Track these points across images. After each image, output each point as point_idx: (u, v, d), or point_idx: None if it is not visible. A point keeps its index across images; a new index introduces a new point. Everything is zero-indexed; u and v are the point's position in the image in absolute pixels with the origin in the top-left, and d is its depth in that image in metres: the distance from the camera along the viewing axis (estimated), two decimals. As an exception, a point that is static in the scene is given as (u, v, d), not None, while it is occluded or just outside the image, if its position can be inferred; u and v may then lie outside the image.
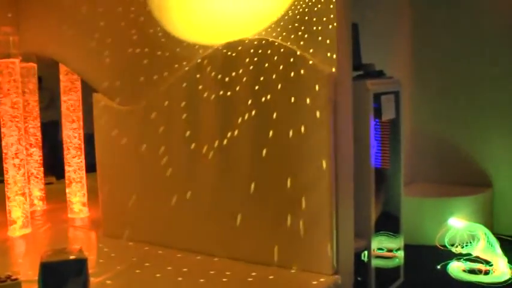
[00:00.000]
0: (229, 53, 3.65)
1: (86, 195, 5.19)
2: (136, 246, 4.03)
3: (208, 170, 3.77)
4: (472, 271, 4.54)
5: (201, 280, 3.42)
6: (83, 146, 5.20)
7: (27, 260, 3.93)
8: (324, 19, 3.36)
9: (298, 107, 3.39)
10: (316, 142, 3.34)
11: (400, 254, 4.21)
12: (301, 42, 3.44)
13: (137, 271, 3.61)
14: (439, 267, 4.66)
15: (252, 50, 3.55)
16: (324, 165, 3.32)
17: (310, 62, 3.35)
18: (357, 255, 3.69)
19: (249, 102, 3.56)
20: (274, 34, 3.54)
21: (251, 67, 3.56)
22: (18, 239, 4.46)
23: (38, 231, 4.70)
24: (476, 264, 4.64)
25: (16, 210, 4.50)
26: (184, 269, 3.60)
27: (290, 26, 3.50)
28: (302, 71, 3.37)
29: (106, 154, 4.29)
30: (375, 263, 3.84)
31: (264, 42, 3.52)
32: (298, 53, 3.40)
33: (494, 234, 4.89)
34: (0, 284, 3.15)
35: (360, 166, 3.66)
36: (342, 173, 3.39)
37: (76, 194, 5.16)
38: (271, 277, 3.40)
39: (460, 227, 5.05)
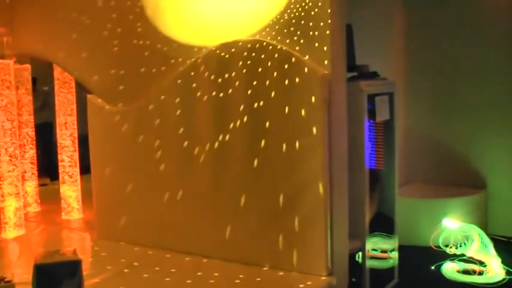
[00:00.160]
0: (223, 54, 3.65)
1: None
2: (130, 248, 4.02)
3: (202, 171, 3.77)
4: (466, 272, 4.55)
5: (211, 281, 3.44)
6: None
7: (21, 262, 3.91)
8: (318, 20, 3.36)
9: (292, 107, 3.39)
10: (310, 143, 3.35)
11: (395, 254, 4.22)
12: (296, 43, 3.44)
13: (130, 272, 3.61)
14: (433, 267, 4.67)
15: (246, 51, 3.55)
16: (318, 166, 3.32)
17: (305, 63, 3.36)
18: (352, 256, 3.70)
19: (244, 102, 3.56)
20: (268, 35, 3.54)
21: (245, 68, 3.56)
22: (12, 241, 4.44)
23: (32, 232, 4.69)
24: (470, 264, 4.65)
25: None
26: (173, 270, 3.61)
27: (284, 27, 3.50)
28: (296, 72, 3.37)
29: (100, 155, 4.28)
30: (370, 263, 3.84)
31: (258, 43, 3.52)
32: (293, 54, 3.40)
33: (488, 235, 4.91)
34: (-6, 286, 3.14)
35: (354, 167, 3.66)
36: (336, 174, 3.40)
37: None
38: (258, 279, 3.40)
39: (454, 227, 5.06)
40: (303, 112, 3.36)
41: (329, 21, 3.33)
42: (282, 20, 3.52)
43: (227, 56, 3.63)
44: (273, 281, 3.39)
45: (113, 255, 3.92)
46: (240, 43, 3.59)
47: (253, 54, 3.52)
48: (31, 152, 5.42)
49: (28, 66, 5.29)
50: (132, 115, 4.07)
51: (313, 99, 3.32)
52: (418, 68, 5.79)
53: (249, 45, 3.55)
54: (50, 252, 3.16)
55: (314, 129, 3.33)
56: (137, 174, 4.08)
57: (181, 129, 3.83)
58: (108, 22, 4.22)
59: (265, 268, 3.54)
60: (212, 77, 3.68)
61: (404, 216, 4.52)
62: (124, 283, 3.47)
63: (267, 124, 3.49)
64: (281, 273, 3.45)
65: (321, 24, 3.35)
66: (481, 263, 4.65)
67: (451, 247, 4.99)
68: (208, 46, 3.74)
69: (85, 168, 4.83)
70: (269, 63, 3.46)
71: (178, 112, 3.84)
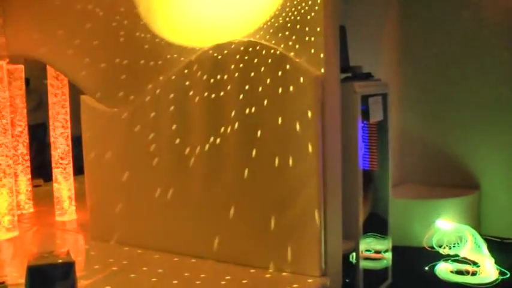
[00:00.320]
0: (216, 55, 3.65)
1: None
2: (124, 250, 4.02)
3: (194, 172, 3.77)
4: (459, 272, 4.56)
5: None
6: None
7: (14, 263, 3.90)
8: (312, 22, 3.37)
9: (286, 108, 3.40)
10: (303, 144, 3.35)
11: (388, 255, 4.23)
12: (289, 45, 3.45)
13: (125, 274, 3.60)
14: (426, 268, 4.68)
15: (240, 52, 3.55)
16: (312, 167, 3.33)
17: (298, 64, 3.36)
18: (345, 257, 3.70)
19: (238, 103, 3.57)
20: (262, 36, 3.55)
21: (240, 68, 3.56)
22: (5, 242, 4.43)
23: (26, 234, 4.67)
24: (463, 265, 4.66)
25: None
26: (160, 270, 3.62)
27: (278, 29, 3.50)
28: (289, 73, 3.38)
29: (94, 157, 4.27)
30: (363, 264, 3.85)
31: (252, 44, 3.52)
32: (286, 55, 3.41)
33: (481, 235, 4.93)
34: (-14, 288, 3.13)
35: (348, 168, 3.67)
36: (330, 174, 3.40)
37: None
38: (244, 281, 3.39)
39: (447, 228, 5.08)
40: (296, 114, 3.37)
41: (323, 22, 3.33)
42: (275, 22, 3.53)
43: (221, 56, 3.63)
44: (267, 282, 3.39)
45: (107, 256, 3.91)
46: (234, 44, 3.59)
47: (247, 55, 3.53)
48: (25, 153, 5.40)
49: (21, 66, 5.28)
50: (126, 116, 4.06)
51: (306, 100, 3.33)
52: (411, 69, 5.81)
53: (243, 47, 3.55)
54: (43, 253, 3.15)
55: (308, 130, 3.33)
56: (131, 176, 4.07)
57: (175, 131, 3.83)
58: (101, 22, 4.21)
59: (254, 269, 3.53)
60: (202, 75, 3.68)
61: (398, 217, 4.53)
62: (117, 284, 3.46)
63: (261, 126, 3.49)
64: (274, 274, 3.45)
65: (315, 25, 3.36)
66: (475, 264, 4.66)
67: (444, 248, 5.01)
68: (203, 47, 3.74)
69: (79, 170, 4.82)
70: (263, 64, 3.47)
71: (171, 114, 3.84)
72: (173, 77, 3.84)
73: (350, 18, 4.32)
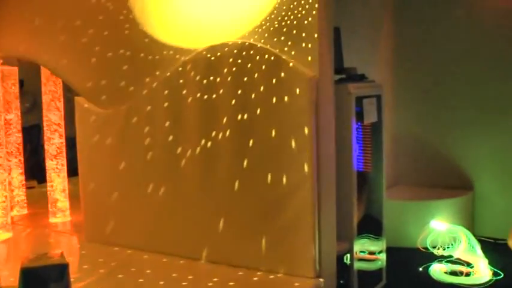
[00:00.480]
0: (210, 56, 3.65)
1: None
2: (118, 251, 4.01)
3: (188, 174, 3.77)
4: (453, 273, 4.57)
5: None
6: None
7: (8, 265, 3.89)
8: (306, 23, 3.38)
9: (281, 110, 3.40)
10: (298, 145, 3.36)
11: (383, 256, 4.23)
12: (283, 46, 3.45)
13: (119, 276, 3.60)
14: (421, 269, 4.69)
15: (234, 53, 3.56)
16: (306, 168, 3.33)
17: (292, 66, 3.37)
18: (340, 258, 3.70)
19: (232, 103, 3.57)
20: (256, 37, 3.55)
21: (234, 69, 3.56)
22: (-1, 244, 4.43)
23: (19, 236, 4.66)
24: (457, 266, 4.67)
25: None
26: (148, 271, 3.64)
27: (272, 30, 3.51)
28: (284, 75, 3.38)
29: (88, 158, 4.26)
30: (358, 265, 3.86)
31: (246, 45, 3.53)
32: (280, 56, 3.41)
33: (475, 236, 4.94)
34: (-20, 290, 3.12)
35: (342, 169, 3.68)
36: (324, 176, 3.41)
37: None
38: (231, 283, 3.38)
39: (441, 229, 5.09)
40: (290, 114, 3.37)
41: (317, 24, 3.34)
42: (269, 23, 3.54)
43: (215, 58, 3.63)
44: (254, 284, 3.39)
45: (101, 258, 3.90)
46: (228, 46, 3.59)
47: (241, 56, 3.53)
48: (18, 155, 5.38)
49: (15, 68, 5.26)
50: (120, 117, 4.06)
51: (300, 101, 3.33)
52: (405, 71, 5.82)
53: (237, 48, 3.55)
54: (37, 255, 3.14)
55: (302, 131, 3.34)
56: (125, 177, 4.07)
57: (169, 133, 3.83)
58: (94, 24, 4.21)
59: (242, 271, 3.53)
60: (201, 79, 3.68)
61: (392, 218, 4.53)
62: (111, 286, 3.46)
63: (254, 126, 3.50)
64: (263, 276, 3.45)
65: (309, 27, 3.36)
66: (469, 264, 4.68)
67: (438, 248, 5.02)
68: (197, 48, 3.74)
69: (73, 171, 4.81)
70: (257, 65, 3.47)
71: (166, 114, 3.84)
72: (167, 79, 3.84)
73: (344, 20, 4.33)
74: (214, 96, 3.64)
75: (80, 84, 4.30)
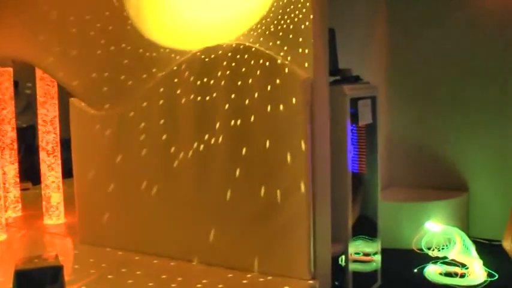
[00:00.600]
0: (205, 57, 3.65)
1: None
2: (113, 253, 4.00)
3: (183, 175, 3.76)
4: (448, 274, 4.58)
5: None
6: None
7: (2, 267, 3.87)
8: (301, 24, 3.38)
9: (275, 111, 3.40)
10: (292, 147, 3.35)
11: (378, 257, 4.24)
12: (278, 47, 3.46)
13: (111, 277, 3.60)
14: (415, 270, 4.70)
15: (229, 55, 3.56)
16: (301, 170, 3.33)
17: (287, 67, 3.37)
18: (335, 260, 3.70)
19: (227, 106, 3.57)
20: (251, 39, 3.55)
21: (229, 72, 3.56)
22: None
23: (13, 237, 4.64)
24: (452, 267, 4.68)
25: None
26: (138, 272, 3.64)
27: (266, 31, 3.51)
28: (278, 76, 3.39)
29: (83, 159, 4.25)
30: (353, 267, 3.86)
31: (241, 47, 3.52)
32: (275, 57, 3.41)
33: (470, 237, 4.95)
34: (-27, 292, 3.10)
35: (337, 170, 3.67)
36: (319, 177, 3.41)
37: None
38: (220, 286, 3.37)
39: (436, 230, 5.09)
40: (286, 116, 3.37)
41: (311, 25, 3.34)
42: (264, 24, 3.54)
43: (210, 59, 3.63)
44: (255, 285, 3.39)
45: (96, 260, 3.89)
46: (223, 47, 3.59)
47: (236, 57, 3.53)
48: (13, 157, 5.36)
49: (10, 69, 5.25)
50: (115, 118, 4.05)
51: (295, 102, 3.33)
52: (400, 72, 5.83)
53: (231, 49, 3.55)
54: (32, 257, 3.14)
55: (297, 133, 3.34)
56: (120, 179, 4.06)
57: (164, 134, 3.83)
58: (90, 25, 4.20)
59: (233, 273, 3.52)
60: (196, 81, 3.68)
61: (387, 220, 4.54)
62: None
63: (250, 128, 3.50)
64: (254, 278, 3.45)
65: (303, 28, 3.37)
66: (463, 266, 4.68)
67: (433, 250, 5.02)
68: (192, 50, 3.74)
69: (67, 172, 4.79)
70: (251, 67, 3.47)
71: (161, 116, 3.83)
72: (163, 80, 3.84)
73: (339, 22, 4.33)
74: (208, 98, 3.64)
75: (74, 85, 4.29)
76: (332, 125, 3.59)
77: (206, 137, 3.65)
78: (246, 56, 3.50)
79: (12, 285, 2.92)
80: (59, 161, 5.12)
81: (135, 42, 4.03)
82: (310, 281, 3.36)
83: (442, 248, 5.01)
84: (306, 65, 3.36)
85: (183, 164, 3.75)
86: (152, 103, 3.87)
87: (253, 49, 3.48)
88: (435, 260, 4.86)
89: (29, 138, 7.53)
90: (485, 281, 4.45)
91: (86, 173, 4.24)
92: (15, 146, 5.41)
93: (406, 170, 5.85)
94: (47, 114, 5.03)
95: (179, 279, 3.50)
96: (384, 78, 5.75)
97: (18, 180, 5.44)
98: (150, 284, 3.44)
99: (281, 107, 3.38)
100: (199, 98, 3.67)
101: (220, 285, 3.38)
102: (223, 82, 3.58)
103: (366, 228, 4.08)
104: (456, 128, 5.64)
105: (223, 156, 3.60)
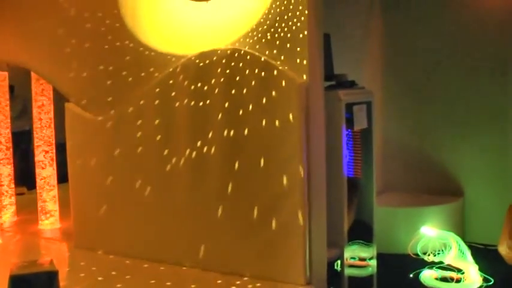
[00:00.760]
0: (200, 62, 3.65)
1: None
2: (108, 258, 3.99)
3: (179, 181, 3.76)
4: (444, 279, 4.59)
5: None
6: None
7: (-3, 273, 3.86)
8: (296, 29, 3.39)
9: (270, 117, 3.40)
10: (288, 152, 3.36)
11: (373, 262, 4.23)
12: (273, 53, 3.46)
13: (107, 282, 3.58)
14: (411, 275, 4.70)
15: (224, 60, 3.56)
16: (297, 174, 3.33)
17: (282, 72, 3.37)
18: (330, 265, 3.70)
19: (222, 110, 3.57)
20: (246, 44, 3.56)
21: (224, 77, 3.57)
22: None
23: (8, 242, 4.62)
24: (448, 272, 4.69)
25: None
26: (128, 276, 3.63)
27: (262, 37, 3.52)
28: (274, 81, 3.39)
29: (78, 164, 4.24)
30: (348, 272, 3.85)
31: (236, 52, 3.53)
32: (270, 63, 3.42)
33: (465, 242, 4.95)
34: (-33, 298, 3.09)
35: (333, 175, 3.68)
36: (314, 182, 3.41)
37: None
38: None
39: (432, 235, 5.10)
40: (281, 121, 3.38)
41: (307, 30, 3.35)
42: (259, 30, 3.54)
43: (205, 64, 3.63)
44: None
45: (90, 265, 3.88)
46: (218, 52, 3.59)
47: (231, 62, 3.53)
48: (8, 161, 5.35)
49: (5, 73, 5.24)
50: (110, 124, 4.05)
51: (291, 108, 3.34)
52: (395, 77, 5.85)
53: (227, 54, 3.56)
54: (27, 262, 3.13)
55: (292, 138, 3.34)
56: (115, 184, 4.05)
57: (159, 139, 3.82)
58: (85, 30, 4.21)
59: (222, 278, 3.52)
60: (186, 82, 3.69)
61: (383, 224, 4.54)
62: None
63: (245, 133, 3.50)
64: (244, 282, 3.44)
65: (299, 33, 3.38)
66: (459, 270, 4.69)
67: (429, 255, 5.03)
68: (187, 55, 3.75)
69: (63, 177, 4.78)
70: (247, 72, 3.48)
71: (156, 122, 3.83)
72: (158, 85, 3.84)
73: (334, 27, 4.35)
74: (203, 102, 3.64)
75: (70, 90, 4.28)
76: (327, 129, 3.59)
77: (201, 143, 3.65)
78: (240, 61, 3.50)
79: (6, 290, 2.91)
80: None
81: (131, 46, 4.03)
82: (306, 286, 3.35)
83: (438, 253, 5.02)
84: (301, 70, 3.36)
85: (178, 170, 3.75)
86: (147, 109, 3.87)
87: (248, 53, 3.49)
88: (431, 264, 4.87)
89: (24, 143, 7.51)
90: (480, 286, 4.46)
91: (81, 178, 4.23)
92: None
93: (402, 175, 5.86)
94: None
95: (168, 283, 3.49)
96: (379, 83, 5.77)
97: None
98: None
99: (276, 112, 3.38)
100: (193, 103, 3.67)
101: None
102: (218, 86, 3.58)
103: (362, 233, 4.08)
104: (451, 133, 5.65)
105: (217, 161, 3.60)
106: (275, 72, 3.39)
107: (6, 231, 4.91)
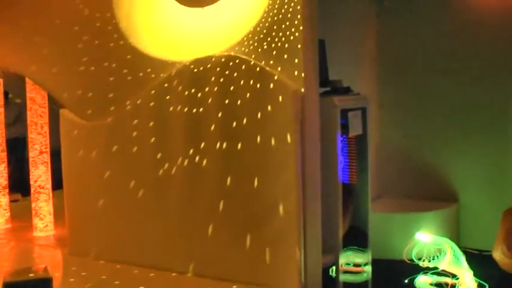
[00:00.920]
0: (193, 67, 3.66)
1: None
2: (102, 265, 3.98)
3: (173, 187, 3.75)
4: (439, 284, 4.59)
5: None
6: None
7: (-10, 280, 3.84)
8: (291, 36, 3.40)
9: (266, 123, 3.41)
10: (283, 158, 3.36)
11: (368, 268, 4.23)
12: (268, 59, 3.47)
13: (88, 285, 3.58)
14: (406, 281, 4.70)
15: (219, 66, 3.56)
16: (292, 180, 3.33)
17: (277, 78, 3.38)
18: (325, 271, 3.70)
19: (218, 116, 3.57)
20: (241, 51, 3.57)
21: (219, 83, 3.57)
22: (-19, 258, 4.37)
23: (2, 250, 4.60)
24: (443, 277, 4.69)
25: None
26: (116, 282, 3.62)
27: (257, 43, 3.53)
28: (269, 87, 3.39)
29: (73, 170, 4.23)
30: (343, 278, 3.85)
31: (231, 58, 3.54)
32: (265, 69, 3.43)
33: (460, 247, 4.96)
34: (-39, 305, 3.07)
35: (328, 181, 3.68)
36: (309, 188, 3.41)
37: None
38: None
39: (427, 241, 5.10)
40: (276, 127, 3.38)
41: (302, 36, 3.36)
42: (254, 36, 3.55)
43: (200, 71, 3.64)
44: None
45: (86, 272, 3.87)
46: (213, 59, 3.60)
47: (227, 69, 3.54)
48: (2, 168, 5.33)
49: (0, 80, 5.24)
50: (105, 130, 4.04)
51: (286, 114, 3.34)
52: (390, 83, 5.87)
53: (222, 61, 3.56)
54: (21, 269, 3.12)
55: (287, 144, 3.34)
56: (110, 190, 4.04)
57: (156, 146, 3.82)
58: (80, 36, 4.21)
59: (238, 283, 3.52)
60: (186, 92, 3.69)
61: (378, 230, 4.54)
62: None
63: (240, 138, 3.50)
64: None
65: (294, 39, 3.38)
66: (454, 276, 4.69)
67: (424, 260, 5.03)
68: (183, 61, 3.75)
69: (57, 184, 4.77)
70: (242, 78, 3.48)
71: (151, 127, 3.83)
72: (153, 91, 3.84)
73: (329, 33, 4.36)
74: (201, 109, 3.64)
75: (65, 96, 4.28)
76: (322, 136, 3.60)
77: (196, 150, 3.65)
78: (236, 67, 3.50)
79: (0, 297, 2.90)
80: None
81: (126, 52, 4.03)
82: (301, 292, 3.35)
83: (433, 259, 5.02)
84: (297, 76, 3.37)
85: (174, 176, 3.74)
86: (143, 118, 3.87)
87: (243, 60, 3.49)
88: (426, 270, 4.87)
89: (19, 150, 7.49)
90: (475, 292, 4.46)
91: (75, 184, 4.22)
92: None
93: (397, 181, 5.87)
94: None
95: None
96: (374, 89, 5.78)
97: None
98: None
99: (272, 118, 3.39)
100: (185, 109, 3.67)
101: None
102: (213, 93, 3.58)
103: (357, 238, 4.08)
104: (446, 139, 5.67)
105: (213, 166, 3.60)
106: (269, 79, 3.40)
107: (0, 238, 4.89)
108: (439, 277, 4.70)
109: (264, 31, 3.51)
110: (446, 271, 4.81)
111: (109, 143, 4.02)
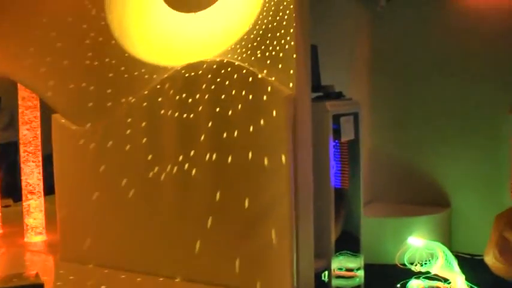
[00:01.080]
0: (184, 72, 3.66)
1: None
2: (94, 270, 3.96)
3: (166, 193, 3.75)
4: (431, 289, 4.60)
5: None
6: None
7: (-19, 286, 3.82)
8: (283, 41, 3.41)
9: (258, 128, 3.41)
10: (275, 163, 3.36)
11: (361, 273, 4.24)
12: (261, 64, 3.48)
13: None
14: (399, 285, 4.70)
15: (212, 71, 3.57)
16: (284, 185, 3.34)
17: (270, 83, 3.39)
18: (317, 276, 3.70)
19: (210, 122, 3.57)
20: (234, 56, 3.57)
21: (211, 88, 3.57)
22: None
23: (-7, 255, 4.59)
24: (435, 282, 4.69)
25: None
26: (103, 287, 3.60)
27: (249, 48, 3.53)
28: (261, 92, 3.40)
29: (65, 176, 4.22)
30: (336, 282, 3.86)
31: (223, 63, 3.54)
32: (257, 74, 3.43)
33: (452, 252, 4.97)
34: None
35: (320, 186, 3.69)
36: (301, 193, 3.42)
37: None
38: None
39: (419, 245, 5.11)
40: (268, 132, 3.38)
41: (294, 41, 3.37)
42: (247, 41, 3.56)
43: (193, 76, 3.64)
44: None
45: (77, 278, 3.85)
46: (205, 64, 3.60)
47: (219, 74, 3.54)
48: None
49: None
50: (97, 134, 4.04)
51: (278, 119, 3.35)
52: (382, 88, 5.88)
53: (214, 66, 3.57)
54: (12, 275, 3.10)
55: (279, 149, 3.35)
56: (102, 195, 4.03)
57: (147, 151, 3.81)
58: (74, 41, 4.20)
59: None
60: (177, 96, 3.69)
61: (370, 235, 4.55)
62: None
63: (231, 144, 3.50)
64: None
65: (286, 44, 3.39)
66: (446, 280, 4.70)
67: (416, 265, 5.04)
68: (175, 66, 3.75)
69: (49, 189, 4.75)
70: (234, 83, 3.49)
71: (144, 132, 3.83)
72: (146, 92, 3.84)
73: (322, 38, 4.37)
74: (191, 115, 3.64)
75: (57, 101, 4.27)
76: (314, 141, 3.61)
77: (187, 156, 3.65)
78: (228, 72, 3.51)
79: (-9, 303, 2.89)
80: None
81: (119, 56, 4.03)
82: (294, 297, 3.35)
83: (425, 263, 5.02)
84: (289, 81, 3.38)
85: (166, 180, 3.74)
86: (135, 122, 3.86)
87: (235, 65, 3.50)
88: (418, 274, 4.87)
89: (11, 154, 7.46)
90: (467, 296, 4.47)
91: (67, 190, 4.20)
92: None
93: (389, 186, 5.88)
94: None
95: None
96: (366, 94, 5.80)
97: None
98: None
99: (263, 123, 3.39)
100: (177, 114, 3.67)
101: None
102: (205, 100, 3.59)
103: (349, 243, 4.09)
104: (438, 144, 5.68)
105: (205, 172, 3.60)
106: (262, 83, 3.40)
107: (-9, 244, 4.87)
108: (431, 281, 4.70)
109: (257, 36, 3.52)
110: (438, 275, 4.82)
111: (101, 148, 4.02)
